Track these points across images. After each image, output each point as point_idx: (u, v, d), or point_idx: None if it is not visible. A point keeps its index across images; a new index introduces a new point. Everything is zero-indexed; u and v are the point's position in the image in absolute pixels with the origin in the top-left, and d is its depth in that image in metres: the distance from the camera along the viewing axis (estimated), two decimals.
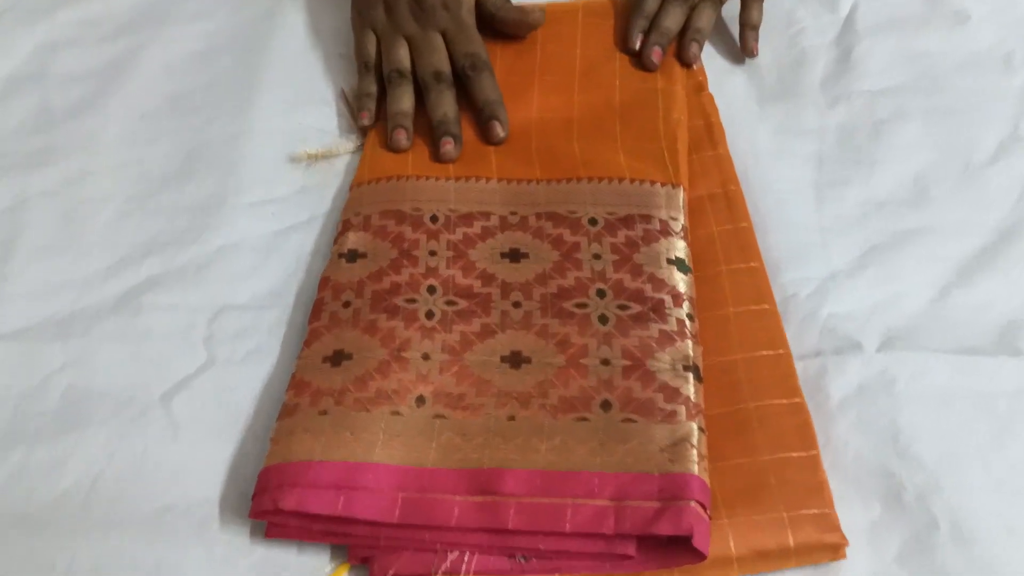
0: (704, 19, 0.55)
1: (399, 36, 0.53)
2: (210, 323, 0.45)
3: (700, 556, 0.35)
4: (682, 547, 0.35)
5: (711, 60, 0.56)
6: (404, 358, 0.40)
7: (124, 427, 0.42)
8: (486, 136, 0.50)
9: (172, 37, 0.59)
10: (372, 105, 0.53)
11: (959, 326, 0.44)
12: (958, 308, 0.44)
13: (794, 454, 0.38)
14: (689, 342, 0.41)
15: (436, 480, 0.37)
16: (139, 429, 0.41)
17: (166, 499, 0.39)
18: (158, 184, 0.51)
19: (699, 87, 0.53)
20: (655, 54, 0.53)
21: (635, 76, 0.53)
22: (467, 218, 0.46)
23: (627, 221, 0.45)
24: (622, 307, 0.42)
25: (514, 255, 0.44)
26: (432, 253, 0.44)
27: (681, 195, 0.46)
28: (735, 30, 0.57)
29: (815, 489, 0.37)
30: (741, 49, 0.56)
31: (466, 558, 0.36)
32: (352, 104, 0.54)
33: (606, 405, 0.39)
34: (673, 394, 0.39)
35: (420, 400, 0.39)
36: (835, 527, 0.36)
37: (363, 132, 0.53)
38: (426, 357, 0.41)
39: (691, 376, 0.39)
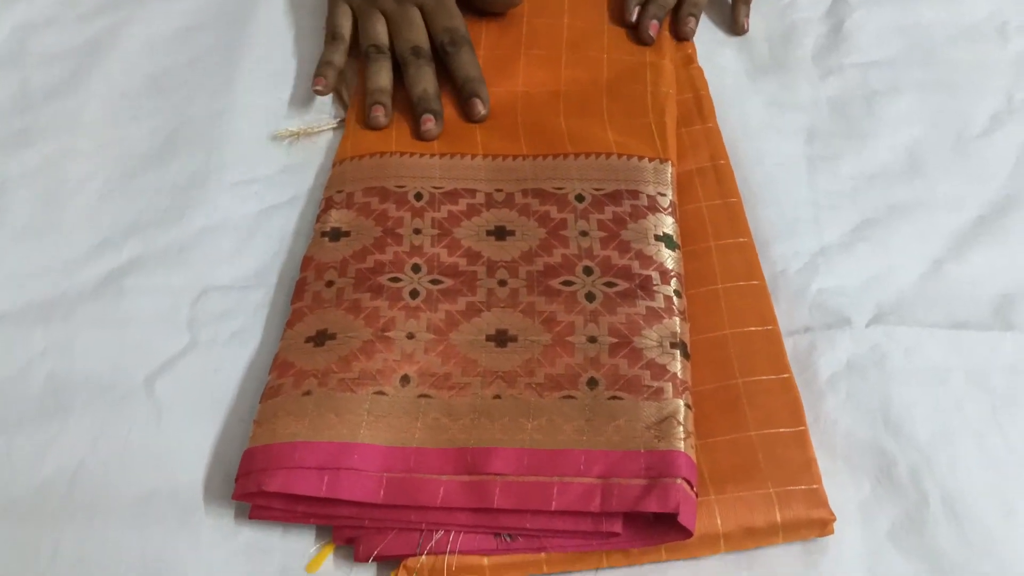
0: None
1: (376, 11, 0.52)
2: (193, 305, 0.45)
3: (687, 533, 0.35)
4: (669, 524, 0.35)
5: (701, 32, 0.55)
6: (389, 338, 0.40)
7: (107, 412, 0.41)
8: (467, 114, 0.50)
9: (152, 14, 0.58)
10: (331, 74, 0.51)
11: (952, 300, 0.44)
12: (951, 282, 0.44)
13: (783, 430, 0.38)
14: (676, 319, 0.40)
15: (422, 460, 0.37)
16: (122, 413, 0.41)
17: (151, 484, 0.39)
18: (140, 164, 0.51)
19: (688, 60, 0.52)
20: (652, 27, 0.52)
21: (623, 49, 0.52)
22: (452, 195, 0.45)
23: (614, 197, 0.44)
24: (609, 284, 0.41)
25: (500, 232, 0.44)
26: (417, 231, 0.44)
27: (669, 170, 0.45)
28: (724, 2, 0.56)
29: (803, 465, 0.37)
30: (732, 24, 0.55)
31: (451, 537, 0.36)
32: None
33: (592, 383, 0.38)
34: (660, 371, 0.38)
35: (405, 380, 0.39)
36: (823, 503, 0.36)
37: (343, 107, 0.52)
38: (411, 336, 0.40)
39: (678, 353, 0.39)
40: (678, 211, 0.45)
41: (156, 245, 0.47)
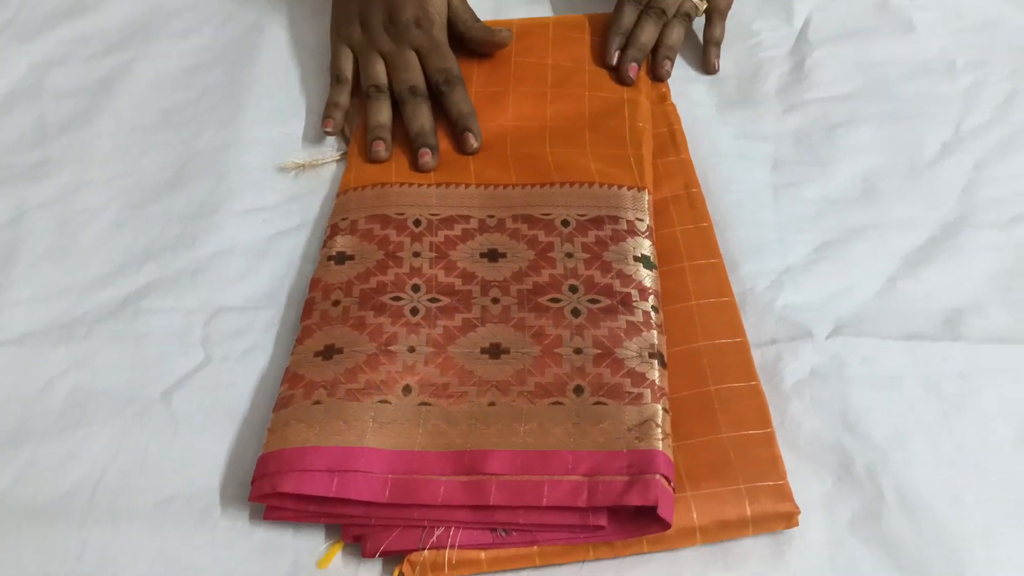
0: (675, 36, 0.58)
1: (375, 53, 0.56)
2: (206, 324, 0.47)
3: (665, 525, 0.38)
4: (649, 517, 0.38)
5: (675, 70, 0.59)
6: (391, 351, 0.43)
7: (127, 424, 0.43)
8: (460, 147, 0.53)
9: (161, 53, 0.61)
10: (339, 115, 0.55)
11: (905, 314, 0.47)
12: (904, 297, 0.48)
13: (751, 432, 0.41)
14: (654, 332, 0.44)
15: (423, 462, 0.40)
16: (141, 425, 0.43)
17: (169, 490, 0.41)
18: (152, 194, 0.53)
19: (662, 97, 0.56)
20: (632, 70, 0.56)
21: (603, 87, 0.56)
22: (448, 221, 0.49)
23: (597, 222, 0.48)
24: (593, 301, 0.45)
25: (492, 255, 0.47)
26: (416, 254, 0.47)
27: (646, 197, 0.49)
28: (697, 42, 0.60)
29: (771, 463, 0.40)
30: (704, 65, 0.59)
31: (451, 533, 0.39)
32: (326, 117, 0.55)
33: (579, 390, 0.42)
34: (640, 379, 0.42)
35: (407, 389, 0.42)
36: (788, 497, 0.40)
37: (345, 141, 0.56)
38: (412, 350, 0.43)
39: (656, 363, 0.43)
40: (655, 234, 0.48)
41: (170, 269, 0.49)
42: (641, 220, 0.48)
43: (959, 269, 0.49)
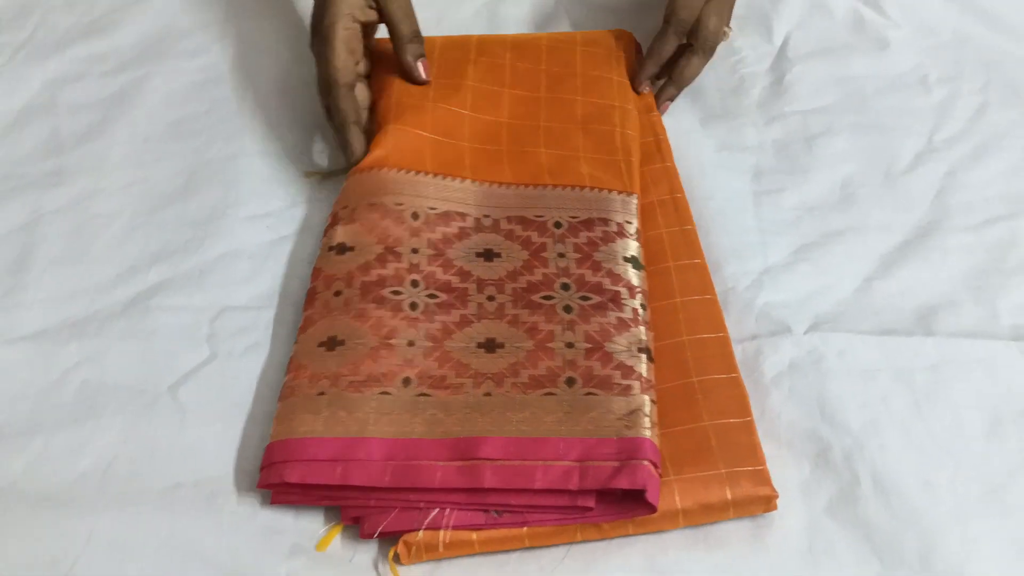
0: (691, 72, 0.57)
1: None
2: (212, 322, 0.49)
3: (651, 508, 0.40)
4: (636, 501, 0.40)
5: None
6: (391, 345, 0.45)
7: (136, 415, 0.45)
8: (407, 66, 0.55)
9: (173, 70, 0.63)
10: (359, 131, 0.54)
11: (880, 311, 0.49)
12: (879, 295, 0.50)
13: (732, 420, 0.43)
14: (642, 328, 0.46)
15: (421, 449, 0.42)
16: (150, 417, 0.45)
17: (176, 477, 0.43)
18: (162, 201, 0.55)
19: (649, 108, 0.58)
20: (666, 108, 0.58)
21: (595, 93, 0.58)
22: (445, 217, 0.51)
23: (588, 224, 0.50)
24: (584, 298, 0.47)
25: (488, 255, 0.50)
26: (414, 251, 0.49)
27: (635, 201, 0.52)
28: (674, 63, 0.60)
29: (750, 449, 0.42)
30: (656, 98, 0.58)
31: (446, 514, 0.40)
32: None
33: (570, 381, 0.44)
34: (628, 372, 0.44)
35: (406, 381, 0.44)
36: (767, 481, 0.42)
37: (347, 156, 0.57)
38: (411, 344, 0.46)
39: (644, 356, 0.45)
40: (642, 236, 0.51)
41: (179, 270, 0.51)
42: (630, 223, 0.51)
43: (932, 269, 0.51)
